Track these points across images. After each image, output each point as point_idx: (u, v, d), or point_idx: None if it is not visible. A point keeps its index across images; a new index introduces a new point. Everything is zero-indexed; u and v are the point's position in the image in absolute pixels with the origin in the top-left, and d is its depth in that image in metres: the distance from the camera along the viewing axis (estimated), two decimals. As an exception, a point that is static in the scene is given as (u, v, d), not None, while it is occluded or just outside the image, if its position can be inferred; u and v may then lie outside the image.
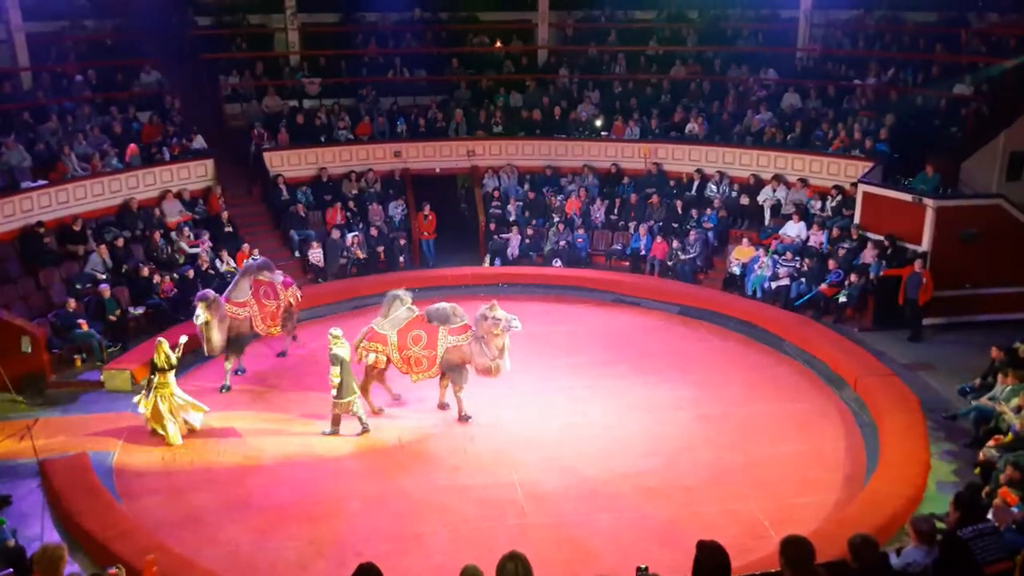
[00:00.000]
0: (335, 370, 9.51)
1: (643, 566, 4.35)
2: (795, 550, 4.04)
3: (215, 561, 7.49)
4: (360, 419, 9.87)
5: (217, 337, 10.77)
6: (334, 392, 9.63)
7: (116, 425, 10.03)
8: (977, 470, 8.49)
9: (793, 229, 14.27)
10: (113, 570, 5.50)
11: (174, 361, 9.72)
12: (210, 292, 10.79)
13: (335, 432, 9.87)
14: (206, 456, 9.56)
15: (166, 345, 9.64)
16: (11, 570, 6.48)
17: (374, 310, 13.99)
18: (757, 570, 6.00)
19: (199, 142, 15.48)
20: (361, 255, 15.14)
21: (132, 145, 14.68)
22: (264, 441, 9.90)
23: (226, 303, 10.89)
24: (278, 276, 11.88)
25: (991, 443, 8.59)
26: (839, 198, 14.37)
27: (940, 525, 5.80)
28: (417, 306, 10.40)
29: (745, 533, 7.94)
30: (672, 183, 16.25)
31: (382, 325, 10.24)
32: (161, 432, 9.69)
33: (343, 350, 9.63)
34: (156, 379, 9.62)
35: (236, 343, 11.12)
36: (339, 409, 9.78)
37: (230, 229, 14.78)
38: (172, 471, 9.21)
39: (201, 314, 10.51)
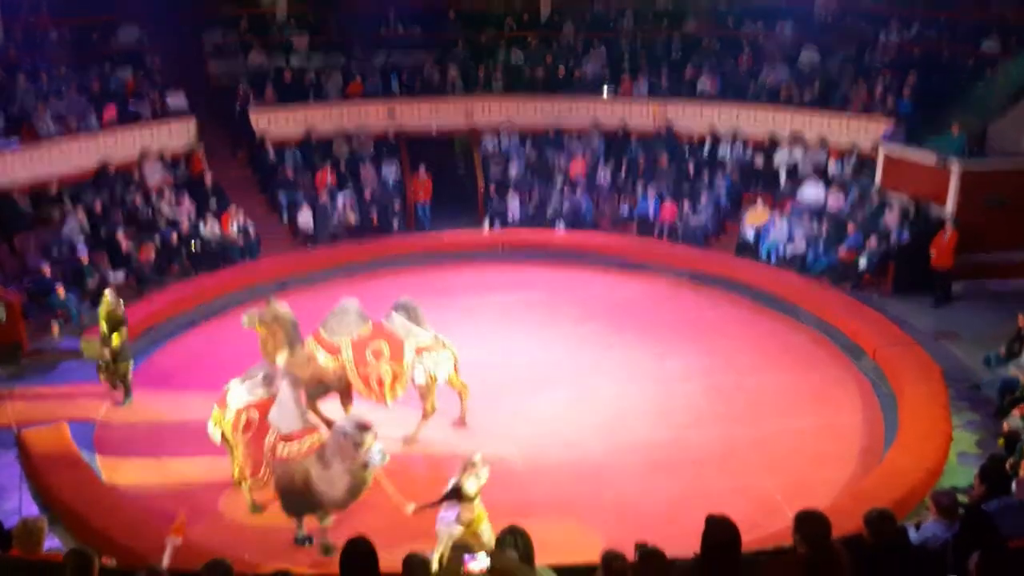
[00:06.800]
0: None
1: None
2: (810, 525, 3.89)
3: (202, 534, 7.19)
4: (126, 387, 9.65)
5: None
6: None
7: (96, 394, 9.75)
8: (1001, 441, 8.15)
9: (814, 191, 13.87)
10: (107, 559, 5.39)
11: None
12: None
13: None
14: (192, 426, 9.11)
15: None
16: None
17: (366, 277, 13.77)
18: (768, 545, 5.74)
19: (179, 99, 14.82)
20: (353, 219, 14.59)
21: (110, 105, 14.10)
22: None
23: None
24: None
25: (1016, 413, 8.27)
26: (853, 158, 13.92)
27: (962, 499, 5.64)
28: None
29: (757, 509, 7.66)
30: (685, 142, 15.74)
31: None
32: None
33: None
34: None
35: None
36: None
37: (215, 200, 14.05)
38: (156, 441, 8.94)
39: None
